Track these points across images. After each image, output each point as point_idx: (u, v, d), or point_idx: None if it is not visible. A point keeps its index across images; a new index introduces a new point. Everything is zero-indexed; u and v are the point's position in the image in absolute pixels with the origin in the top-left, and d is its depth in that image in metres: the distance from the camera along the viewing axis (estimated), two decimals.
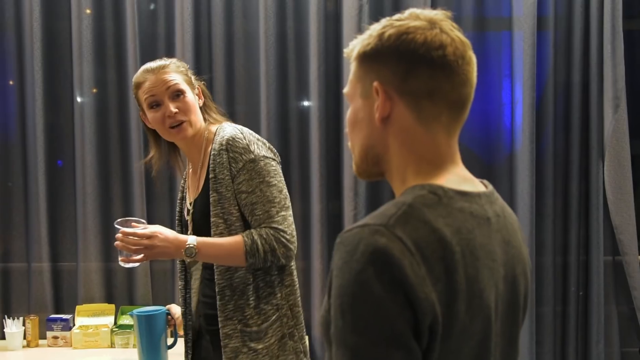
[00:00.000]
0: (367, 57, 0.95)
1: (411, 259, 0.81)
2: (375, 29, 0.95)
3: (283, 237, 1.71)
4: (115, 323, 2.69)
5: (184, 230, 1.93)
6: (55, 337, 2.65)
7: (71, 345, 2.63)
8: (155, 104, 1.79)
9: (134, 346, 2.57)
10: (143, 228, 1.74)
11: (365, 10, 2.72)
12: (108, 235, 2.82)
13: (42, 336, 2.69)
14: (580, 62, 2.79)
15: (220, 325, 1.74)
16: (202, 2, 2.76)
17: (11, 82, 2.81)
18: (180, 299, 1.98)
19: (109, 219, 2.81)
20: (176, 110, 1.77)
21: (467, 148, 2.78)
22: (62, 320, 2.66)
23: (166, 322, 2.15)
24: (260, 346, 1.73)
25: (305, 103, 2.81)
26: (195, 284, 1.96)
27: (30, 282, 2.80)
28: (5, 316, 2.67)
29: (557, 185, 2.83)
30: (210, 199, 1.75)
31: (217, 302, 1.75)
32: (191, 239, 1.71)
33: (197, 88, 1.87)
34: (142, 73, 1.83)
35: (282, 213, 1.73)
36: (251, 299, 1.75)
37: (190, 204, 1.88)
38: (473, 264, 0.87)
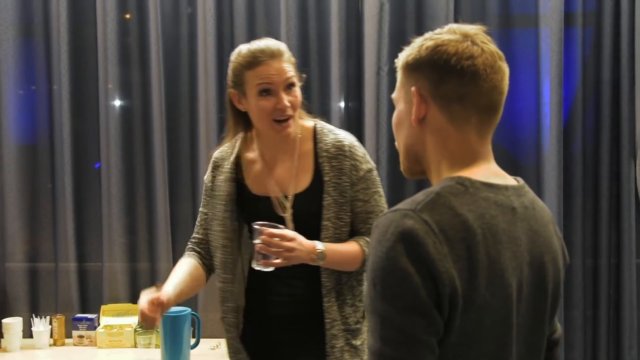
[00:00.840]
0: (408, 66, 1.07)
1: (434, 239, 0.93)
2: (418, 41, 1.07)
3: None
4: (138, 323, 2.71)
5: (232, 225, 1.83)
6: (81, 337, 2.69)
7: (96, 345, 2.66)
8: (267, 92, 1.69)
9: (156, 346, 2.59)
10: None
11: (386, 9, 2.69)
12: (133, 236, 2.85)
13: (68, 335, 2.73)
14: (610, 58, 2.70)
15: (327, 327, 1.74)
16: (224, 4, 2.77)
17: (55, 86, 2.83)
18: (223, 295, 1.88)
19: (133, 219, 2.85)
20: (289, 104, 1.70)
21: (495, 145, 2.71)
22: (87, 319, 2.70)
23: (190, 323, 2.16)
24: (358, 342, 1.78)
25: (327, 103, 2.79)
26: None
27: (57, 281, 2.85)
28: (33, 315, 2.72)
29: (587, 185, 2.75)
30: (324, 202, 1.74)
31: (324, 304, 1.74)
32: (319, 245, 1.68)
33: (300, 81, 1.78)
34: (256, 53, 1.69)
35: None
36: (348, 297, 1.78)
37: (284, 197, 1.79)
38: (495, 246, 0.98)
